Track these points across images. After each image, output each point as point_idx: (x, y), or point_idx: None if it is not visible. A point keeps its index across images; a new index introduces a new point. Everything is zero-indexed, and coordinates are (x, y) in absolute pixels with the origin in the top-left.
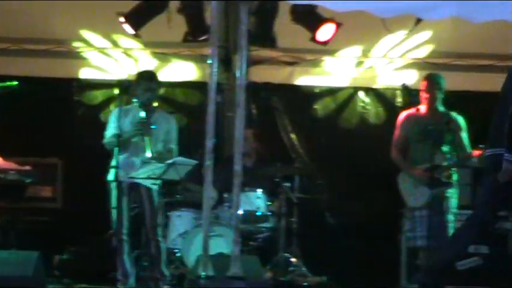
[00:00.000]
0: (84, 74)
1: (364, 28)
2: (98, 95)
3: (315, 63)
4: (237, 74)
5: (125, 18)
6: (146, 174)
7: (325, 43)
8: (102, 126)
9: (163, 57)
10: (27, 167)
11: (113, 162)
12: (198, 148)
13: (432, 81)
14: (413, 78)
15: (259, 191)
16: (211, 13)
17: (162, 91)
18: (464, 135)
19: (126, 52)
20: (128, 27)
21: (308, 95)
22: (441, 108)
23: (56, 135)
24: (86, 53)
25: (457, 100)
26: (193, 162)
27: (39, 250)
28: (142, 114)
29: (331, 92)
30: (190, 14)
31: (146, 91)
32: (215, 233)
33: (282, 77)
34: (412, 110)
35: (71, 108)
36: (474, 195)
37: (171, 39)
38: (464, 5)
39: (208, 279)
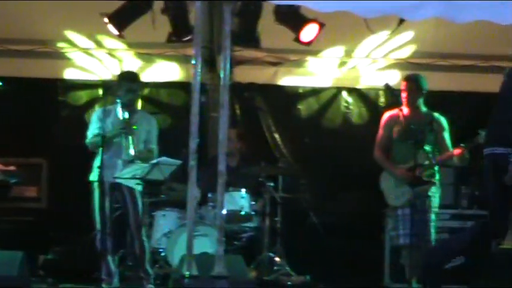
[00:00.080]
0: (69, 74)
1: (347, 28)
2: (83, 96)
3: (299, 64)
4: (221, 74)
5: (109, 18)
6: (130, 174)
7: (308, 43)
8: (87, 126)
9: (147, 57)
10: (12, 167)
11: (96, 163)
12: (182, 148)
13: (411, 82)
14: (396, 78)
15: (243, 190)
16: (195, 14)
17: (146, 91)
18: (446, 135)
19: (111, 53)
20: (111, 28)
21: (292, 95)
22: (424, 109)
23: (41, 135)
24: (71, 53)
25: (440, 100)
26: (178, 162)
27: (23, 250)
28: (126, 115)
29: (315, 92)
30: (174, 15)
31: (128, 92)
32: (199, 233)
33: (266, 77)
34: (395, 111)
35: (56, 109)
36: (457, 195)
37: (155, 40)
38: (447, 5)
39: (193, 279)
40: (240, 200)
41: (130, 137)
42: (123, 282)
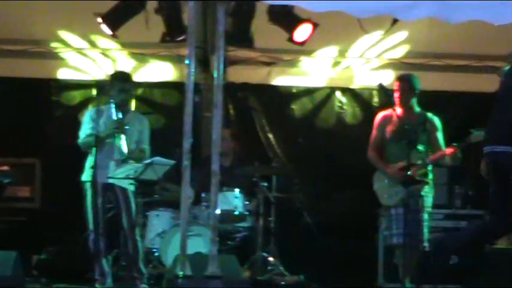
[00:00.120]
0: (62, 74)
1: (341, 28)
2: (76, 96)
3: (292, 64)
4: (215, 74)
5: (102, 18)
6: (124, 174)
7: (302, 43)
8: (80, 126)
9: (141, 57)
10: (5, 167)
11: (88, 163)
12: (176, 148)
13: (404, 82)
14: (389, 78)
15: (237, 190)
16: (188, 13)
17: (140, 91)
18: (439, 135)
19: (104, 52)
20: (105, 28)
21: (285, 95)
22: (417, 109)
23: (34, 135)
24: (64, 53)
25: (434, 100)
26: (171, 162)
27: (17, 250)
28: (119, 114)
29: (308, 92)
30: (168, 15)
31: (120, 92)
32: (193, 233)
33: (260, 77)
34: (388, 111)
35: (49, 109)
36: (450, 194)
37: (148, 40)
38: (441, 5)
39: (186, 279)
40: (234, 200)
41: (123, 137)
42: (116, 282)
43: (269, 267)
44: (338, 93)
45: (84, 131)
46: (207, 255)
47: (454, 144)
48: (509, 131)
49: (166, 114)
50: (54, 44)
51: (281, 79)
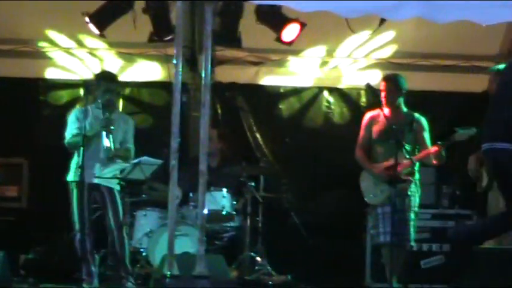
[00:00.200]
0: (50, 74)
1: (329, 28)
2: (64, 95)
3: (280, 63)
4: (202, 74)
5: (90, 18)
6: (111, 174)
7: (290, 43)
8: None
9: (128, 57)
10: None
11: (74, 163)
12: (163, 148)
13: (390, 82)
14: (377, 78)
15: (225, 190)
16: (176, 13)
17: (127, 91)
18: (426, 135)
19: (92, 52)
20: (92, 27)
21: (273, 95)
22: (404, 109)
23: (22, 135)
24: (52, 52)
25: (421, 100)
26: (159, 162)
27: (4, 250)
28: (105, 114)
29: (296, 91)
30: (156, 14)
31: (106, 92)
32: (180, 233)
33: (247, 76)
34: (376, 112)
35: (37, 108)
36: (438, 194)
37: (136, 39)
38: (428, 5)
39: (174, 279)
40: (222, 199)
41: (110, 136)
42: (104, 282)
43: (257, 267)
44: (326, 93)
45: (70, 131)
46: (194, 255)
47: (439, 142)
48: (504, 129)
49: (154, 113)
50: (41, 44)
51: (269, 79)
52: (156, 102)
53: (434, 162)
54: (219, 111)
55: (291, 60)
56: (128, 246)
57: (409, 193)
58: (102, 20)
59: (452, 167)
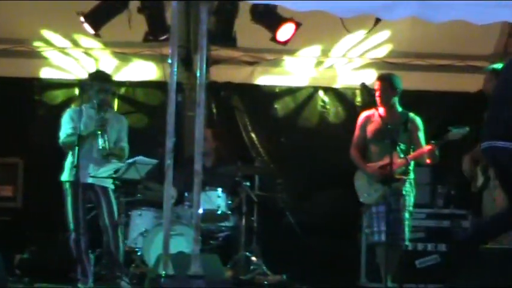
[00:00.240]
0: (45, 73)
1: (324, 28)
2: (59, 95)
3: (275, 63)
4: (198, 73)
5: (85, 18)
6: (106, 173)
7: (285, 43)
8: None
9: (123, 56)
10: None
11: (68, 163)
12: (158, 147)
13: (384, 81)
14: (372, 77)
15: (220, 190)
16: (171, 13)
17: (122, 91)
18: (421, 135)
19: (87, 52)
20: (87, 27)
21: (268, 95)
22: (399, 108)
23: (17, 134)
24: (47, 52)
25: (416, 100)
26: (154, 161)
27: None
28: (101, 114)
29: (291, 91)
30: (151, 14)
31: (100, 92)
32: (176, 232)
33: (243, 76)
34: (371, 111)
35: (32, 108)
36: (433, 194)
37: (131, 39)
38: (423, 5)
39: (169, 278)
40: (217, 199)
41: (105, 135)
42: (98, 282)
43: (252, 267)
44: (321, 93)
45: (65, 130)
46: (189, 255)
47: (432, 141)
48: (504, 129)
49: (149, 113)
50: (36, 43)
51: (264, 78)
52: (151, 101)
53: (428, 161)
54: (214, 110)
55: (286, 59)
56: (123, 245)
57: (403, 192)
58: (97, 19)
59: (447, 167)
